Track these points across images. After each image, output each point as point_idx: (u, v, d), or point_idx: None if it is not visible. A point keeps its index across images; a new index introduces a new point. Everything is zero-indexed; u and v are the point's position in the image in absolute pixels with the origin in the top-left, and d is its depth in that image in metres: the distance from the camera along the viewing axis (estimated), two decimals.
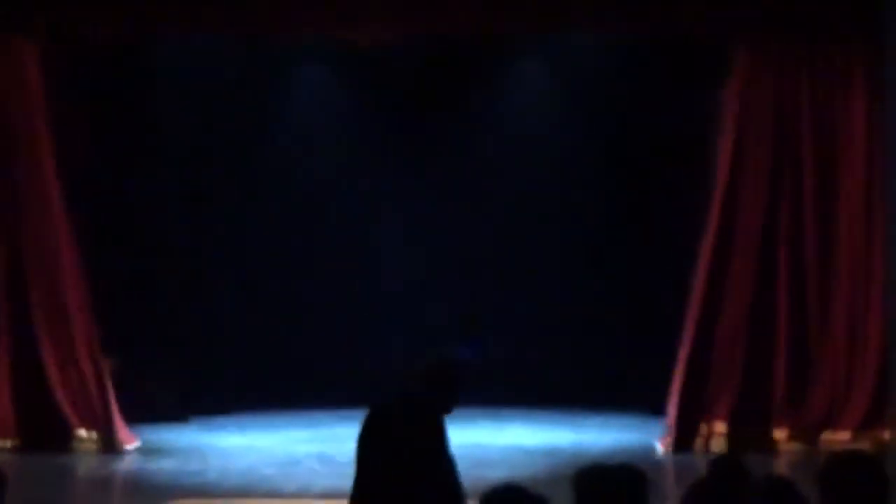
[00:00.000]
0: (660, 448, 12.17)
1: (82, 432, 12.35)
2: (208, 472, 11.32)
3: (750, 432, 11.94)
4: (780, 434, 12.07)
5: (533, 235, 15.58)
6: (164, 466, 11.63)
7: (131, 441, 12.52)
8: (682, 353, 12.28)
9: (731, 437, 12.00)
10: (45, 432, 12.23)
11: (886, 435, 11.53)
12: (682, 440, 12.07)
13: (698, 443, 12.09)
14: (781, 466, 11.26)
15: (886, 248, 11.57)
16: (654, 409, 14.27)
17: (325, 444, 12.43)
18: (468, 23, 12.47)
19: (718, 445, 11.97)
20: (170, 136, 14.69)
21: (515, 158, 15.61)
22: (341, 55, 14.98)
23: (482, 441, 12.80)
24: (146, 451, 12.44)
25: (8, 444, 12.22)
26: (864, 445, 11.25)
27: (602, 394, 14.67)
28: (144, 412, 14.04)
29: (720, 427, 12.08)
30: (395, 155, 15.49)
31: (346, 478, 6.32)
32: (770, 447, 11.86)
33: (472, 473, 9.91)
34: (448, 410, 6.20)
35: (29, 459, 11.78)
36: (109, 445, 12.30)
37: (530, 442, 12.95)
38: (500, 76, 15.69)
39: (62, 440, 12.24)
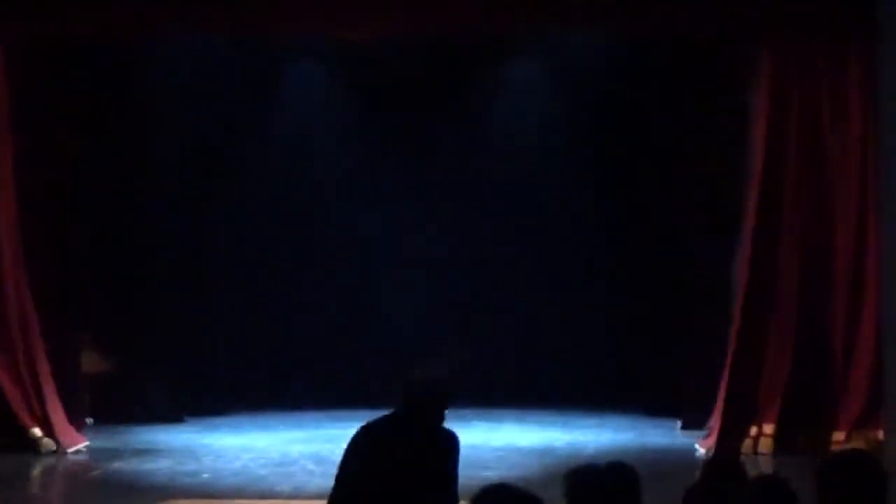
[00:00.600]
0: (700, 449, 12.09)
1: (36, 431, 12.36)
2: (203, 473, 11.31)
3: (797, 433, 11.90)
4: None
5: (531, 235, 15.57)
6: (159, 466, 11.61)
7: (76, 443, 12.50)
8: (730, 353, 12.14)
9: (779, 438, 11.93)
10: (5, 433, 12.23)
11: (880, 434, 11.52)
12: (726, 441, 11.88)
13: (746, 444, 11.96)
14: (776, 466, 11.29)
15: (881, 245, 11.56)
16: (647, 409, 14.31)
17: (320, 445, 12.41)
18: (466, 21, 12.44)
19: (766, 447, 11.93)
20: (167, 135, 14.64)
21: (515, 158, 15.60)
22: (340, 55, 14.99)
23: (477, 442, 12.78)
24: (141, 451, 12.43)
25: None
26: (859, 445, 11.24)
27: (597, 395, 14.67)
28: (140, 412, 14.07)
29: (768, 429, 12.00)
30: (394, 155, 15.48)
31: None
32: (821, 448, 11.79)
33: (466, 474, 9.91)
34: (432, 425, 6.23)
35: (11, 460, 11.79)
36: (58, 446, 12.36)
37: (525, 442, 12.94)
38: (499, 76, 15.67)
39: (19, 440, 12.24)
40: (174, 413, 14.28)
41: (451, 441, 6.40)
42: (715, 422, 12.20)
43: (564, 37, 14.57)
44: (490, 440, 12.99)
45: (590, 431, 13.58)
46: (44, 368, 12.48)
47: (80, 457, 12.39)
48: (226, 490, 10.53)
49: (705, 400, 12.95)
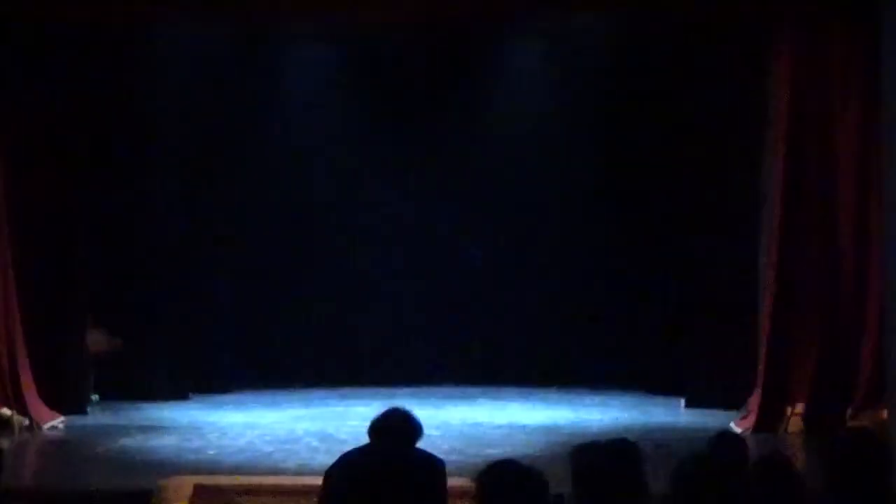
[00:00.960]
0: (737, 429, 12.11)
1: (6, 411, 12.39)
2: (208, 449, 11.36)
3: (824, 413, 11.96)
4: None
5: (534, 221, 15.52)
6: (164, 443, 11.67)
7: (51, 419, 12.55)
8: (764, 333, 12.38)
9: (808, 417, 12.07)
10: None
11: (884, 414, 11.57)
12: (765, 421, 12.12)
13: (781, 423, 12.18)
14: (805, 444, 11.44)
15: (883, 231, 11.60)
16: (649, 388, 14.35)
17: (325, 422, 12.43)
18: (467, 6, 12.44)
19: (796, 426, 12.11)
20: (167, 135, 14.60)
21: (515, 150, 15.52)
22: (340, 53, 15.06)
23: (482, 420, 12.85)
24: (147, 428, 12.49)
25: None
26: (864, 424, 11.29)
27: (601, 373, 14.70)
28: (145, 390, 14.11)
29: (798, 408, 12.16)
30: (396, 147, 15.43)
31: None
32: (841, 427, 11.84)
33: (471, 452, 10.03)
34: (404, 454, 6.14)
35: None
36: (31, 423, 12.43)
37: (530, 421, 12.97)
38: (499, 65, 15.58)
39: None
40: (179, 390, 14.31)
41: (433, 468, 6.19)
42: (753, 404, 12.36)
43: (566, 25, 14.47)
44: (495, 418, 13.03)
45: (594, 410, 13.62)
46: (20, 344, 12.47)
47: (57, 433, 12.46)
48: (231, 466, 10.56)
49: (710, 384, 13.21)
